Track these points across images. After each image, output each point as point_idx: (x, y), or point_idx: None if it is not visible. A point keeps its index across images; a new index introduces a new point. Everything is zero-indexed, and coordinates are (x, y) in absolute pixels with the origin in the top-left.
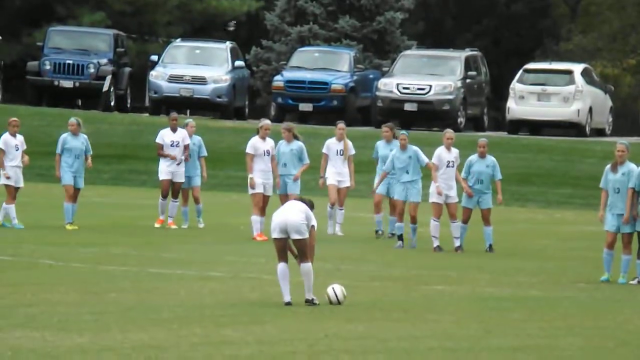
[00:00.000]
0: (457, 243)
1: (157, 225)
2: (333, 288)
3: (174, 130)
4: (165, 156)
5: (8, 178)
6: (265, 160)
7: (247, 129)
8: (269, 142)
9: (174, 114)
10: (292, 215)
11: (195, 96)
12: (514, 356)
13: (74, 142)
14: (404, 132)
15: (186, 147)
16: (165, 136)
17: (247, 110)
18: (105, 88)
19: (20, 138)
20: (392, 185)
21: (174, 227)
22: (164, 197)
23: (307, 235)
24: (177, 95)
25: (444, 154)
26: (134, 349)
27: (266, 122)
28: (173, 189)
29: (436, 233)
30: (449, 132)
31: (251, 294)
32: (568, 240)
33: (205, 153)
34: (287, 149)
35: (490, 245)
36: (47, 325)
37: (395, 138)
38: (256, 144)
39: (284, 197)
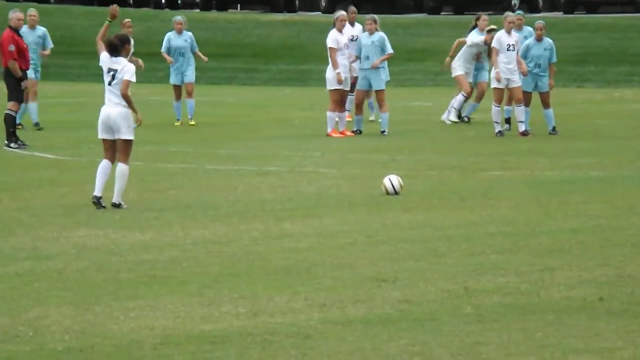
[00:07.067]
0: (522, 127)
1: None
2: (390, 178)
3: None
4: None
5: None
6: (345, 54)
7: (297, 22)
8: (346, 34)
9: (343, 14)
10: (113, 110)
11: None
12: (575, 238)
13: (176, 40)
14: (519, 12)
15: None
16: (339, 37)
17: (297, 2)
18: None
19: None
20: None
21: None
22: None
23: (130, 137)
24: None
25: (504, 38)
26: (196, 244)
27: (342, 13)
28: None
29: (497, 118)
30: (511, 16)
31: (308, 188)
32: (627, 118)
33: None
34: (369, 41)
35: (554, 127)
36: (109, 223)
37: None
38: (338, 37)
39: (364, 93)
